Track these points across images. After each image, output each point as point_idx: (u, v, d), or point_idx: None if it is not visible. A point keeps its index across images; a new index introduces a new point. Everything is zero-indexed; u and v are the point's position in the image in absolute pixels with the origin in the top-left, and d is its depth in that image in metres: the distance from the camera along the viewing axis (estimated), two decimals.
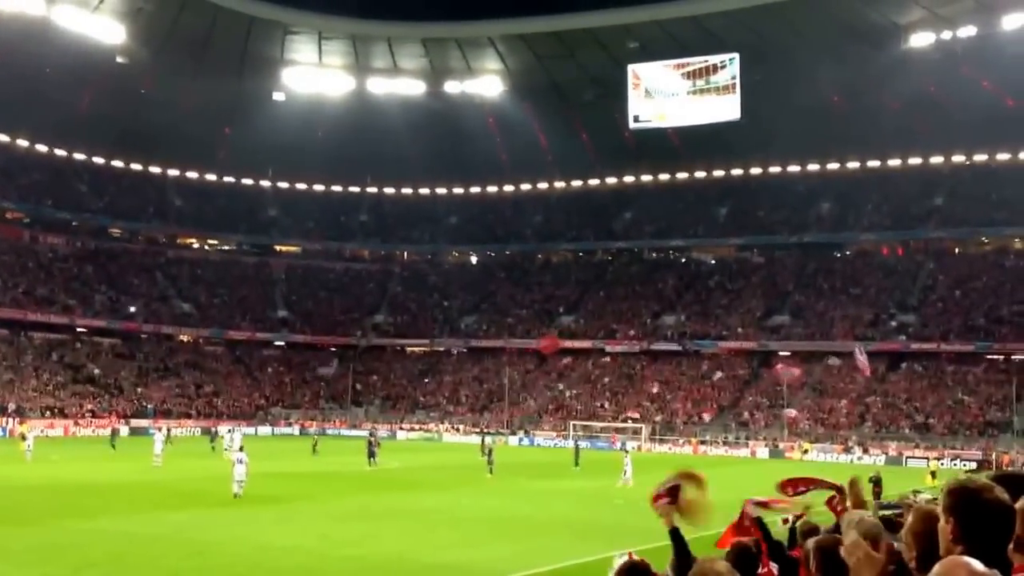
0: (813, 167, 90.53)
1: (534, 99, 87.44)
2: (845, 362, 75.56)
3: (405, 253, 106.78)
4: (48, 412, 68.34)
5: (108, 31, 74.36)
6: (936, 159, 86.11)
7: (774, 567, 6.09)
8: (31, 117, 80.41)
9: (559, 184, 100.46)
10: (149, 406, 74.88)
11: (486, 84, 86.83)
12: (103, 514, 25.67)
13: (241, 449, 32.29)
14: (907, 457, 60.87)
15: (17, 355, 74.58)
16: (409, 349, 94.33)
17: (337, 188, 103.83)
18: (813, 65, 75.09)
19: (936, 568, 2.59)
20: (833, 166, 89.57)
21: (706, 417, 74.27)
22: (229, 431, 54.81)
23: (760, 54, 75.43)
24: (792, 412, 70.21)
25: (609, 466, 46.88)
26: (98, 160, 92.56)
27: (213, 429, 61.90)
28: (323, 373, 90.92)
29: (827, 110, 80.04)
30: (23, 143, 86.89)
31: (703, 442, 68.21)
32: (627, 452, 47.75)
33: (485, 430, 72.12)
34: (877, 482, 30.92)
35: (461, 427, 78.09)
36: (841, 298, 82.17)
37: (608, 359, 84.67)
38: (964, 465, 57.08)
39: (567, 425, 74.67)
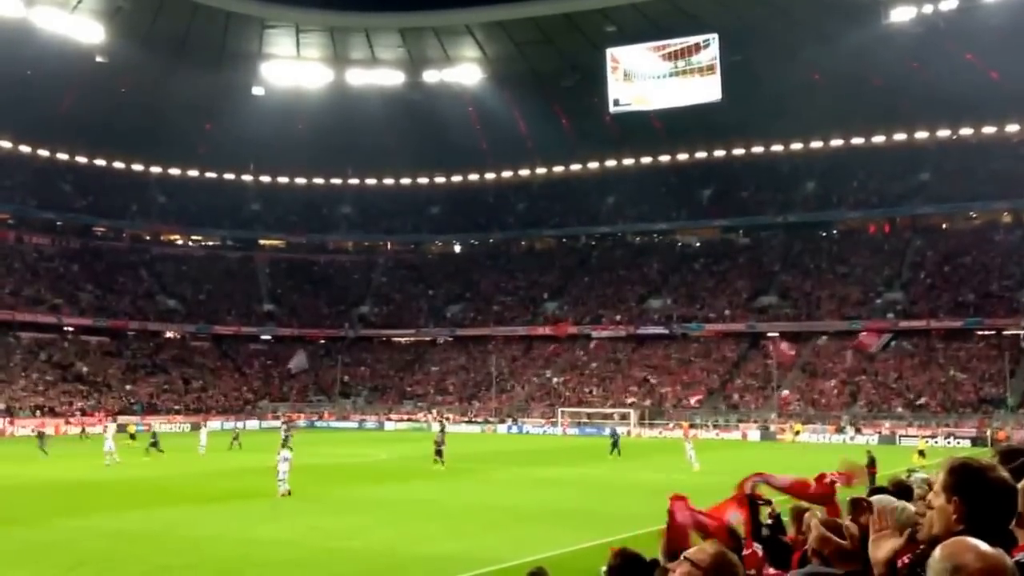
0: (796, 146, 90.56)
1: (513, 86, 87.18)
2: (834, 342, 75.95)
3: (389, 244, 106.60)
4: (38, 411, 68.15)
5: (87, 31, 73.90)
6: (921, 134, 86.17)
7: (757, 547, 6.01)
8: (13, 118, 79.92)
9: (541, 171, 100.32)
10: (136, 403, 74.69)
11: (465, 72, 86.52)
12: (94, 512, 25.57)
13: (285, 444, 31.59)
14: (900, 436, 60.85)
15: (6, 355, 74.41)
16: (395, 339, 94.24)
17: (319, 181, 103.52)
18: (793, 43, 75.09)
19: (942, 550, 2.53)
20: (817, 145, 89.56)
21: (695, 400, 74.39)
22: (283, 424, 55.72)
23: (739, 34, 75.25)
24: (782, 393, 70.58)
25: (605, 453, 46.98)
26: (81, 159, 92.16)
27: (236, 426, 60.75)
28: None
29: (809, 88, 79.97)
30: (6, 144, 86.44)
31: (693, 425, 68.26)
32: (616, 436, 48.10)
33: (439, 417, 71.73)
34: (872, 463, 30.98)
35: (450, 416, 78.04)
36: (828, 277, 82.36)
37: (595, 344, 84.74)
38: (958, 443, 57.18)
39: (555, 412, 74.72)
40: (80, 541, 20.91)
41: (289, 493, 28.71)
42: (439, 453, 39.84)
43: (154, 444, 45.39)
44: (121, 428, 67.53)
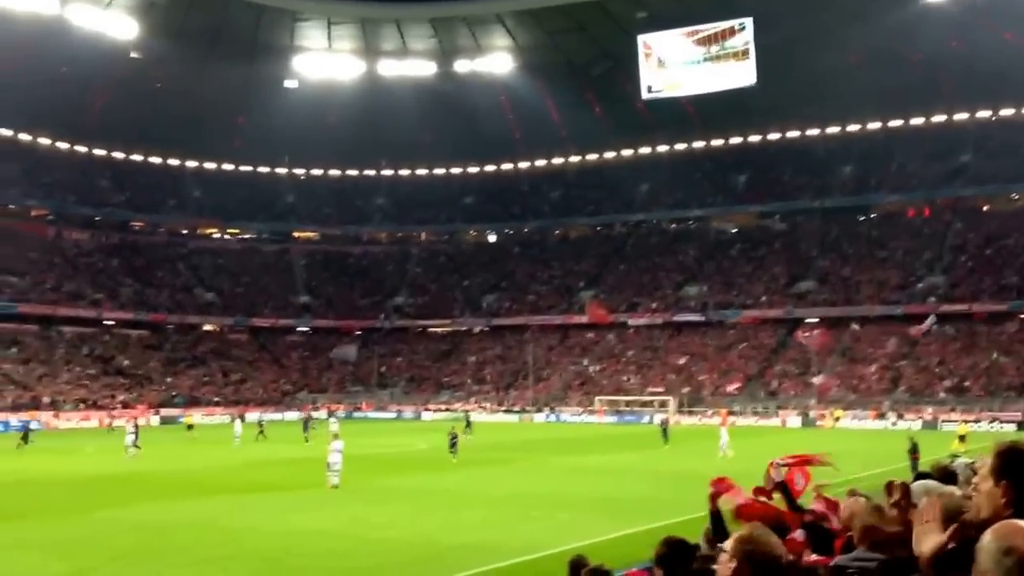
0: (833, 130, 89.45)
1: (545, 75, 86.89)
2: (874, 327, 75.10)
3: (423, 234, 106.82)
4: (81, 404, 69.13)
5: (121, 27, 74.67)
6: (961, 115, 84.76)
7: (798, 533, 5.93)
8: (51, 116, 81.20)
9: (574, 159, 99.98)
10: (177, 396, 75.59)
11: (496, 62, 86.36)
12: (133, 504, 25.80)
13: (336, 437, 31.50)
14: (943, 421, 60.07)
15: (49, 349, 75.60)
16: (431, 330, 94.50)
17: (352, 172, 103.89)
18: (829, 24, 74.11)
19: (992, 533, 2.46)
20: (854, 127, 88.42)
21: (734, 387, 73.91)
22: (330, 416, 55.59)
23: (774, 16, 74.44)
24: (820, 379, 69.83)
25: (643, 440, 46.82)
26: (118, 155, 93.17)
27: (307, 415, 60.24)
28: (337, 355, 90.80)
29: (845, 70, 78.91)
30: (44, 141, 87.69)
31: (732, 412, 67.77)
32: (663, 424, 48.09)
33: (463, 408, 71.57)
34: (914, 449, 30.63)
35: (487, 406, 78.28)
36: (867, 262, 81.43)
37: (631, 332, 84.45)
38: (1002, 427, 56.34)
39: (593, 401, 74.60)
40: (120, 533, 21.09)
41: (336, 487, 28.56)
42: (454, 445, 38.59)
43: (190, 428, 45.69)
44: (166, 420, 68.94)
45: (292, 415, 74.90)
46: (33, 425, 59.25)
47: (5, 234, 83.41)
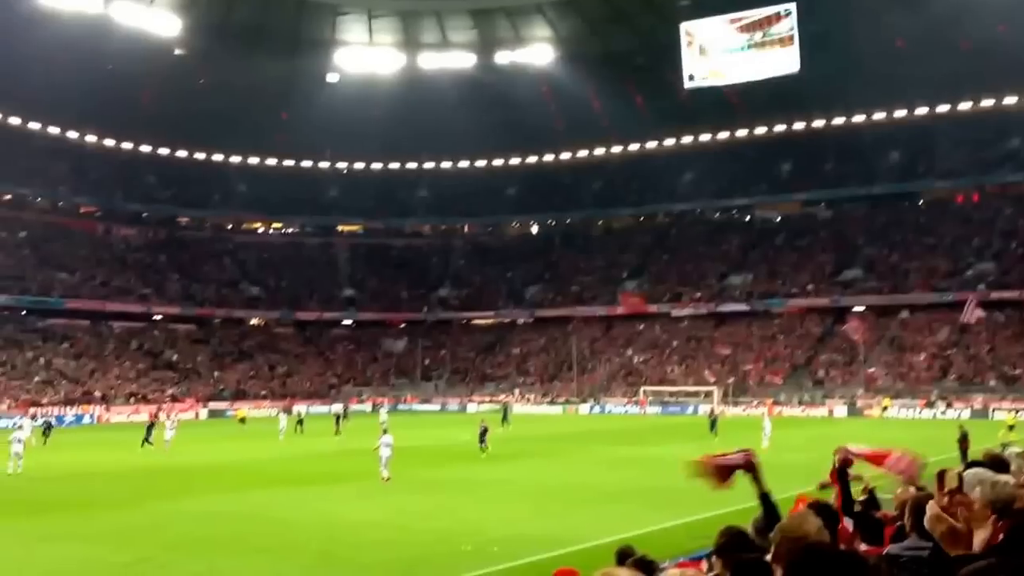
0: (879, 116, 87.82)
1: (586, 65, 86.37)
2: (921, 315, 74.04)
3: (466, 226, 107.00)
4: (132, 398, 70.27)
5: (164, 24, 75.51)
6: (1010, 99, 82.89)
7: (848, 523, 5.89)
8: (97, 113, 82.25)
9: (616, 149, 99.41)
10: (225, 389, 76.58)
11: (537, 53, 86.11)
12: (185, 495, 26.23)
13: (386, 431, 31.59)
14: (994, 410, 59.11)
15: (99, 344, 76.93)
16: (475, 322, 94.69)
17: (395, 166, 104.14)
18: (875, 8, 72.90)
19: None
20: (900, 113, 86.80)
21: (779, 378, 73.30)
22: (376, 409, 55.85)
23: (818, 1, 73.41)
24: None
25: (689, 431, 46.59)
26: (163, 151, 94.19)
27: (341, 409, 59.63)
28: (392, 349, 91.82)
29: (892, 55, 77.52)
30: (92, 139, 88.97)
31: (777, 402, 67.21)
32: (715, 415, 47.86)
33: (503, 400, 70.95)
34: (963, 438, 30.24)
35: (531, 397, 78.39)
36: (915, 249, 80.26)
37: (676, 323, 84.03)
38: None
39: (638, 392, 74.38)
40: (174, 524, 21.46)
41: (387, 479, 28.68)
42: (483, 439, 37.62)
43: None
44: (214, 413, 69.92)
45: (339, 407, 75.60)
46: (68, 418, 60.51)
47: (55, 231, 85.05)
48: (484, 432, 37.96)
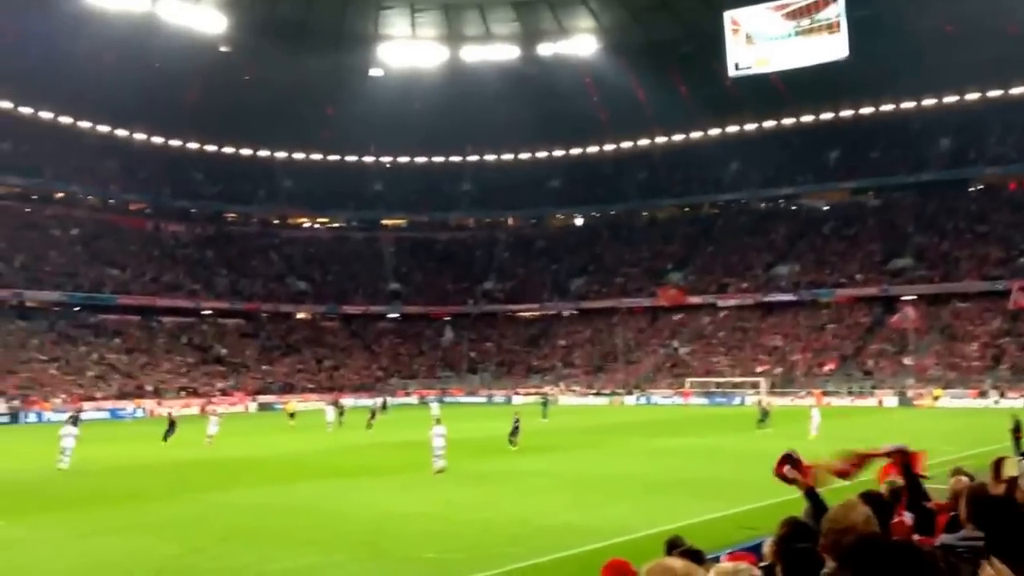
0: (929, 102, 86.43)
1: (630, 55, 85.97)
2: (973, 304, 72.76)
3: (510, 219, 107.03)
4: (183, 392, 71.30)
5: (210, 21, 76.35)
6: None
7: (907, 516, 5.80)
8: (146, 111, 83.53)
9: (661, 139, 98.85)
10: (273, 383, 77.41)
11: (580, 44, 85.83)
12: (235, 487, 26.53)
13: (439, 421, 31.70)
14: None
15: (150, 339, 78.15)
16: (520, 314, 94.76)
17: (439, 159, 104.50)
18: None
19: None
20: (951, 99, 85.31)
21: (828, 368, 72.46)
22: (435, 400, 56.01)
23: None
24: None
25: (735, 422, 46.23)
26: (210, 148, 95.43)
27: (378, 403, 60.12)
28: (442, 341, 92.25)
29: (941, 40, 76.16)
30: (140, 136, 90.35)
31: (826, 393, 66.45)
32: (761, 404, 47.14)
33: (547, 392, 70.94)
34: (1017, 428, 29.78)
35: (576, 388, 78.29)
36: (967, 237, 78.88)
37: (722, 314, 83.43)
38: None
39: (683, 383, 73.98)
40: (225, 515, 21.70)
41: (442, 470, 28.76)
42: (515, 432, 36.62)
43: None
44: (263, 407, 70.68)
45: (376, 401, 75.96)
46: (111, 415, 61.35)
47: (106, 228, 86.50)
48: (516, 427, 37.20)
